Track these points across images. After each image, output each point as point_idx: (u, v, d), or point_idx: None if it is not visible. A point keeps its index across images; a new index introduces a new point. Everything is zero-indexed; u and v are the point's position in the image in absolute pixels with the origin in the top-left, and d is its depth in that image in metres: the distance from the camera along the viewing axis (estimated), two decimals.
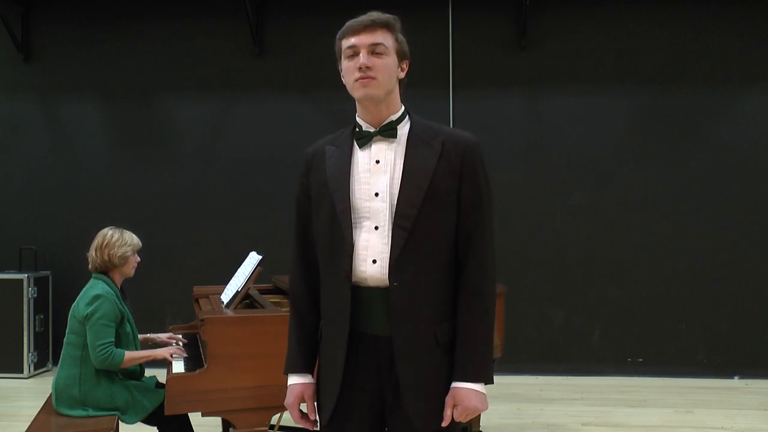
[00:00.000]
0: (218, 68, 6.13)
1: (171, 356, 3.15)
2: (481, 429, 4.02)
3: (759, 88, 5.71)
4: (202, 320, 2.89)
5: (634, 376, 5.70)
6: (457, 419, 1.70)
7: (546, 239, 5.84)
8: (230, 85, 6.12)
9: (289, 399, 1.82)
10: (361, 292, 1.71)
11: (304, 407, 1.85)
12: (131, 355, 3.07)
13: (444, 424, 1.70)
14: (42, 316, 5.91)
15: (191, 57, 6.15)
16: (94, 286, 3.11)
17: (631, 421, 4.50)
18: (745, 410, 4.75)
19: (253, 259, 3.40)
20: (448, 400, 1.71)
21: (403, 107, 1.82)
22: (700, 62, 5.75)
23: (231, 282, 3.47)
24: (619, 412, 4.71)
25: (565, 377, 5.71)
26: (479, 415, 3.98)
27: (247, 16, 5.84)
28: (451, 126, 5.72)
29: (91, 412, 2.99)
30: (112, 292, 3.12)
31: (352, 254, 1.70)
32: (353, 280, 1.71)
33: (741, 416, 4.60)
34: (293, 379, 1.83)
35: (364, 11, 1.77)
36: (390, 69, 1.73)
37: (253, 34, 5.99)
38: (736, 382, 5.57)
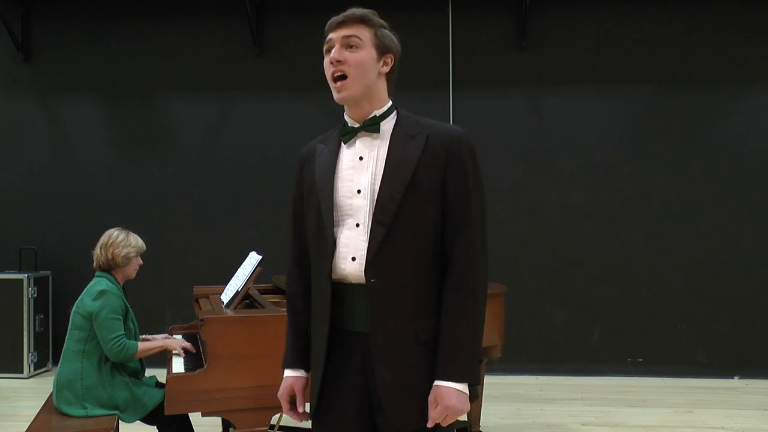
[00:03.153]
0: (218, 68, 6.13)
1: (181, 349, 3.22)
2: (481, 429, 4.02)
3: (759, 88, 5.71)
4: (202, 320, 2.89)
5: (634, 376, 5.70)
6: (435, 420, 1.64)
7: (546, 239, 5.84)
8: (230, 85, 6.12)
9: (281, 390, 1.87)
10: (343, 290, 1.72)
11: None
12: (144, 346, 3.15)
13: (429, 425, 1.65)
14: (42, 316, 5.91)
15: (191, 57, 6.15)
16: (98, 283, 3.17)
17: (631, 421, 4.50)
18: (745, 410, 4.75)
19: (253, 259, 3.40)
20: (431, 399, 1.66)
21: (390, 102, 1.80)
22: (700, 62, 5.75)
23: (231, 282, 3.47)
24: (619, 412, 4.71)
25: (565, 377, 5.71)
26: (479, 415, 3.98)
27: (247, 16, 5.84)
28: None
29: (90, 411, 2.99)
30: (115, 287, 3.18)
31: (333, 252, 1.71)
32: (334, 277, 1.71)
33: (741, 416, 4.60)
34: (286, 373, 1.88)
35: None
36: (364, 63, 1.71)
37: (253, 34, 5.99)
38: (736, 382, 5.57)
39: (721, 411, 4.73)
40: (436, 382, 1.66)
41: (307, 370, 1.88)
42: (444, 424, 1.66)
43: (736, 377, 5.63)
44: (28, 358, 5.73)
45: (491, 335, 3.73)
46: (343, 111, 1.82)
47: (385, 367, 1.66)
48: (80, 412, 3.00)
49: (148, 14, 6.20)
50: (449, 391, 1.63)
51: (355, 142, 1.77)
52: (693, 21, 5.76)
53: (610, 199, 5.81)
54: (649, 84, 5.78)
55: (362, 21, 1.73)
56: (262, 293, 3.64)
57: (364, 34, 1.73)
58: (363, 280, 1.68)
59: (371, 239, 1.67)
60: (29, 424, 2.97)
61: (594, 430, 4.33)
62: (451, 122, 5.85)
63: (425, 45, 5.87)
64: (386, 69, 1.78)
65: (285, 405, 1.87)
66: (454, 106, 5.88)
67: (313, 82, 5.82)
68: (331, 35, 1.74)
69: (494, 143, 5.77)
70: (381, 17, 1.80)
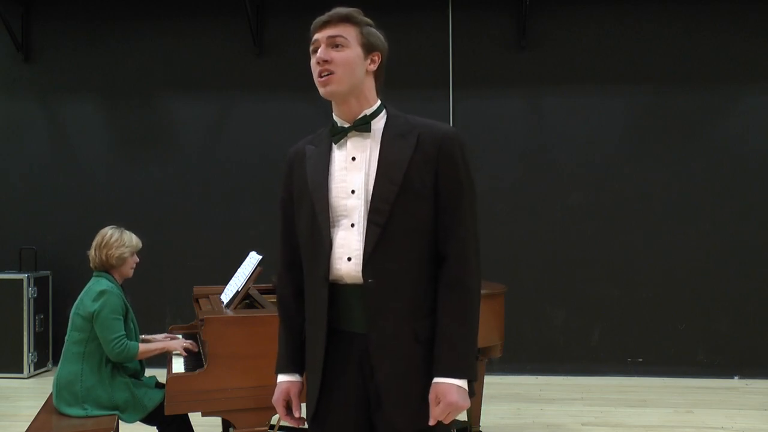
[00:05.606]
0: (218, 68, 6.13)
1: (183, 349, 3.22)
2: (481, 429, 4.02)
3: (759, 88, 5.71)
4: (202, 320, 2.89)
5: (634, 376, 5.70)
6: (438, 417, 1.63)
7: (546, 239, 5.84)
8: (230, 85, 6.12)
9: (276, 396, 1.84)
10: (338, 290, 1.71)
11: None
12: (145, 347, 3.14)
13: (431, 422, 1.65)
14: (42, 316, 5.91)
15: (191, 57, 6.15)
16: (98, 283, 3.15)
17: (631, 421, 4.50)
18: (745, 410, 4.75)
19: (253, 259, 3.40)
20: (431, 397, 1.65)
21: (379, 101, 1.79)
22: (700, 62, 5.75)
23: (231, 282, 3.47)
24: (619, 412, 4.71)
25: (565, 377, 5.71)
26: (479, 415, 3.98)
27: (247, 16, 5.84)
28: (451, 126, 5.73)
29: (90, 411, 2.99)
30: (115, 287, 3.16)
31: (330, 253, 1.70)
32: (330, 278, 1.71)
33: (741, 416, 4.60)
34: (281, 378, 1.85)
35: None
36: (351, 62, 1.71)
37: (253, 34, 5.99)
38: (736, 382, 5.57)
39: (721, 411, 4.73)
40: (436, 379, 1.66)
41: (301, 374, 1.86)
42: (446, 421, 1.65)
43: (736, 377, 5.63)
44: (28, 358, 5.73)
45: (491, 335, 3.73)
46: None
47: (384, 367, 1.66)
48: (80, 412, 2.99)
49: (148, 14, 6.20)
50: (450, 388, 1.63)
51: (346, 142, 1.76)
52: (693, 21, 5.76)
53: (610, 199, 5.81)
54: (649, 84, 5.78)
55: (347, 20, 1.73)
56: (262, 293, 3.64)
57: (350, 32, 1.72)
58: (359, 281, 1.68)
59: (367, 240, 1.66)
60: (29, 424, 2.97)
61: (594, 430, 4.33)
62: (451, 122, 5.84)
63: (425, 45, 5.87)
64: (374, 67, 1.77)
65: (281, 410, 1.84)
66: (454, 106, 5.88)
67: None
68: (316, 35, 1.74)
69: (494, 143, 5.77)
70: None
